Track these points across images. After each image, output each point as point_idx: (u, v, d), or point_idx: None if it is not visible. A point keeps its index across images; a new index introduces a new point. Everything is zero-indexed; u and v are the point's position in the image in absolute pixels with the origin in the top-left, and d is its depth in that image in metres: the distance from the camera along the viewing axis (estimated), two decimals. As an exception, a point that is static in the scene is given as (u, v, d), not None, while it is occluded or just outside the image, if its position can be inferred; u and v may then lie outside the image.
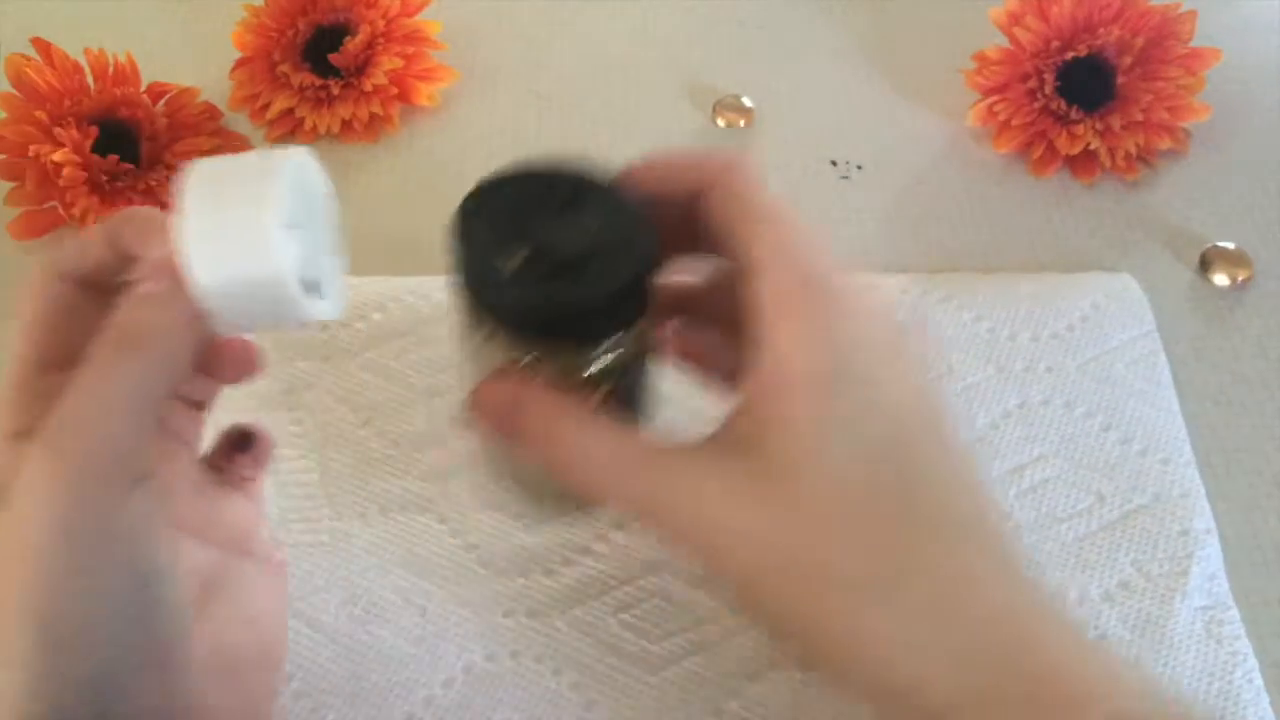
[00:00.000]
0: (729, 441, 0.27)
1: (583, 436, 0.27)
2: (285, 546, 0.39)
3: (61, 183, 0.47)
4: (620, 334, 0.28)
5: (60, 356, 0.28)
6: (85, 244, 0.29)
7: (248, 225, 0.25)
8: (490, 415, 0.29)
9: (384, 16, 0.53)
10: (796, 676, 0.36)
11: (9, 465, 0.26)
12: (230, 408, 0.35)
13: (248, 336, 0.31)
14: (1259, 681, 0.36)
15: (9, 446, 0.27)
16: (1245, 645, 0.37)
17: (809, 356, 0.26)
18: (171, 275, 0.26)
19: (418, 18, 0.55)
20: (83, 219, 0.47)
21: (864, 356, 0.26)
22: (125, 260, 0.29)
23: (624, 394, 0.30)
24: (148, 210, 0.29)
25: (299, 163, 0.27)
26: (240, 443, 0.33)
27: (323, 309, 0.28)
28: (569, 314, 0.26)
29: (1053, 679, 0.24)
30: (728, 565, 0.26)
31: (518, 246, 0.27)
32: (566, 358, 0.28)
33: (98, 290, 0.29)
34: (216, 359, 0.31)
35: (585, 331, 0.27)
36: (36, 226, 0.49)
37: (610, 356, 0.28)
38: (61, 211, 0.48)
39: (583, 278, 0.26)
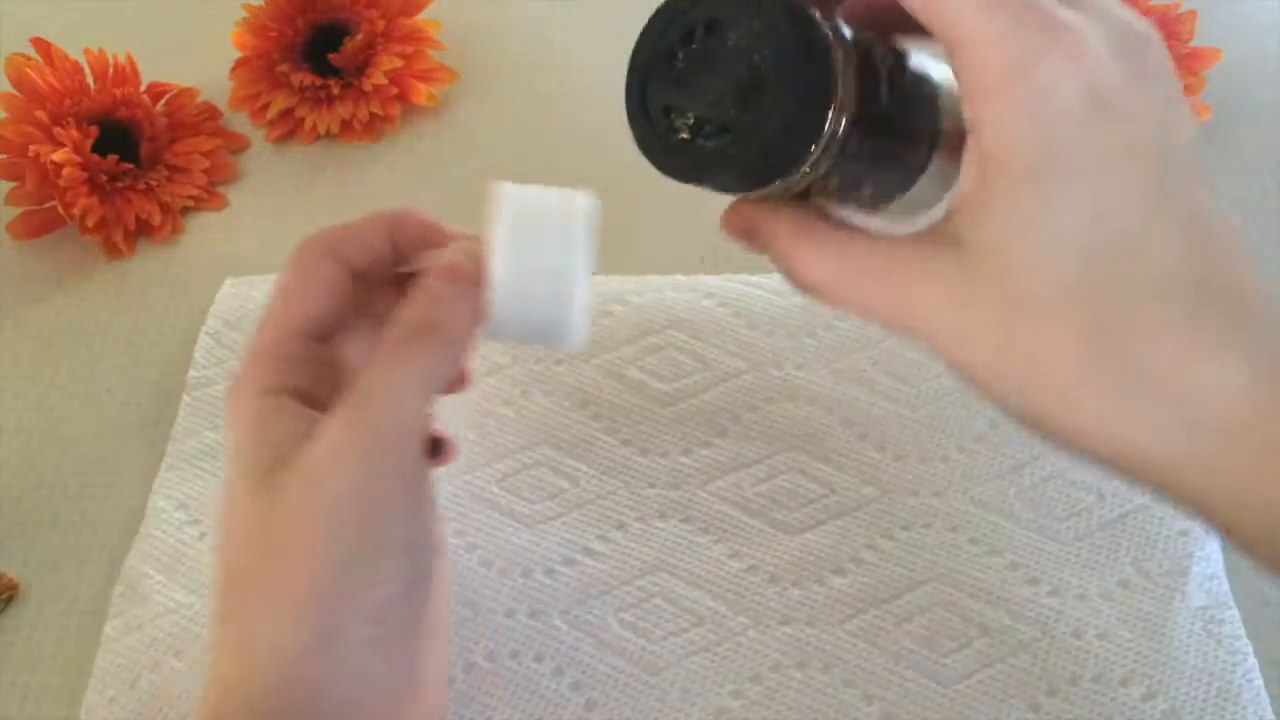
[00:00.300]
0: (944, 234, 0.26)
1: (806, 254, 0.28)
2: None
3: (61, 183, 0.47)
4: (813, 146, 0.26)
5: (315, 328, 0.31)
6: (362, 234, 0.33)
7: (557, 273, 0.30)
8: (740, 240, 0.30)
9: (384, 16, 0.53)
10: (797, 676, 0.36)
11: (286, 425, 0.29)
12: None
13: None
14: (1259, 681, 0.36)
15: (274, 403, 0.30)
16: (1245, 645, 0.37)
17: (1011, 143, 0.24)
18: (464, 279, 0.30)
19: (418, 18, 0.55)
20: (83, 219, 0.47)
21: (1075, 140, 0.24)
22: (397, 256, 0.33)
23: (851, 180, 0.28)
24: (422, 215, 0.33)
25: (593, 206, 0.31)
26: (433, 449, 0.34)
27: (578, 341, 0.31)
28: (751, 167, 0.26)
29: None
30: (954, 361, 0.26)
31: (683, 101, 0.27)
32: (774, 189, 0.28)
33: (360, 276, 0.32)
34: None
35: (774, 172, 0.27)
36: (36, 226, 0.49)
37: (814, 164, 0.27)
38: (61, 211, 0.48)
39: (747, 129, 0.26)
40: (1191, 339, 0.24)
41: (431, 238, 0.33)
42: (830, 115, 0.25)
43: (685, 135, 0.27)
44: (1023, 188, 0.24)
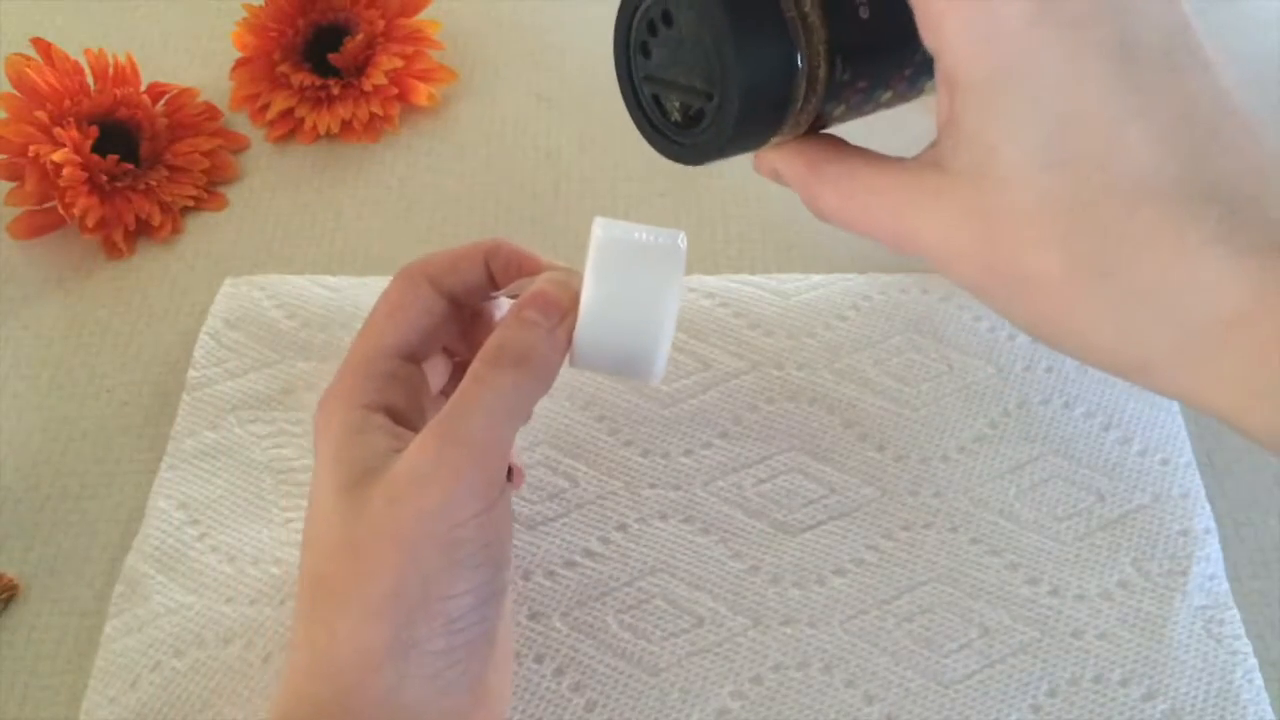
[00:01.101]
0: (930, 157, 0.26)
1: (820, 186, 0.28)
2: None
3: (61, 183, 0.47)
4: (789, 103, 0.27)
5: (407, 348, 0.33)
6: (460, 261, 0.34)
7: (647, 311, 0.31)
8: (771, 178, 0.30)
9: (384, 16, 0.53)
10: (797, 677, 0.36)
11: (376, 439, 0.30)
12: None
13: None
14: (1259, 681, 0.36)
15: (366, 417, 0.31)
16: (1245, 645, 0.37)
17: (965, 63, 0.24)
18: (554, 309, 0.31)
19: (418, 18, 0.55)
20: (83, 219, 0.47)
21: (1026, 49, 0.23)
22: (491, 284, 0.34)
23: (861, 99, 0.28)
24: (516, 245, 0.34)
25: (685, 242, 0.32)
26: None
27: (660, 377, 0.32)
28: (738, 138, 0.27)
29: None
30: (955, 278, 0.27)
31: (663, 90, 0.28)
32: (782, 138, 0.28)
33: (454, 302, 0.34)
34: None
35: (761, 136, 0.27)
36: (36, 226, 0.49)
37: (801, 110, 0.27)
38: (61, 211, 0.48)
39: (720, 108, 0.26)
40: (1177, 242, 0.23)
41: (526, 266, 0.34)
42: (796, 69, 0.26)
43: (678, 119, 0.28)
44: (983, 106, 0.24)
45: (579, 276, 0.31)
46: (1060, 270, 0.24)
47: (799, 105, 0.26)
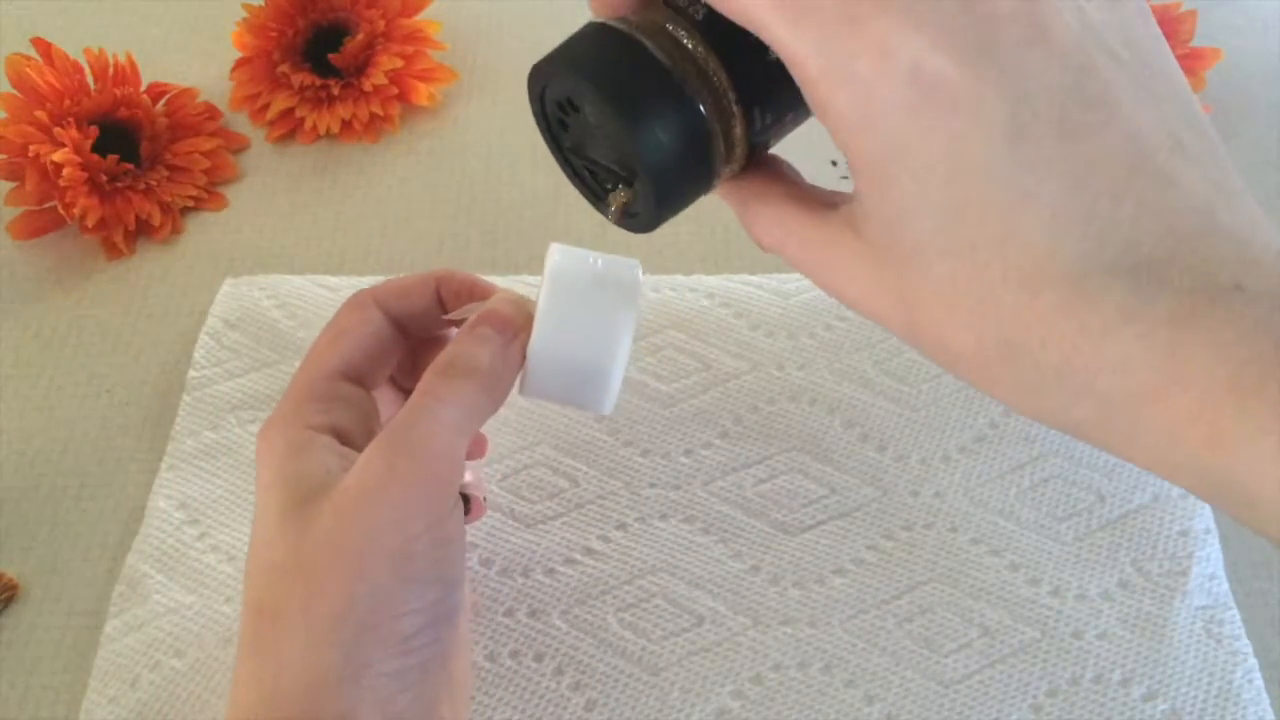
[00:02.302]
0: (846, 216, 0.25)
1: (757, 222, 0.27)
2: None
3: (61, 183, 0.47)
4: (711, 167, 0.26)
5: (353, 371, 0.33)
6: (411, 289, 0.34)
7: (598, 344, 0.31)
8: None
9: (384, 16, 0.53)
10: (798, 676, 0.36)
11: (320, 458, 0.30)
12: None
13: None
14: (1259, 681, 0.36)
15: (311, 437, 0.30)
16: (1245, 645, 0.37)
17: (852, 149, 0.23)
18: (507, 326, 0.31)
19: (418, 18, 0.55)
20: (83, 219, 0.47)
21: (908, 135, 0.22)
22: (441, 310, 0.34)
23: (789, 128, 0.27)
24: (466, 274, 0.34)
25: (641, 274, 0.32)
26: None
27: (610, 409, 0.32)
28: (668, 203, 0.26)
29: None
30: (890, 331, 0.26)
31: (590, 165, 0.27)
32: (717, 186, 0.27)
33: (403, 328, 0.34)
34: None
35: (688, 197, 0.26)
36: (36, 226, 0.49)
37: (727, 163, 0.26)
38: (61, 211, 0.48)
39: (643, 186, 0.25)
40: (1080, 326, 0.22)
41: (476, 292, 0.34)
42: (707, 136, 0.25)
43: (610, 188, 0.27)
44: (877, 189, 0.23)
45: (533, 302, 0.31)
46: (973, 348, 0.23)
47: (722, 163, 0.26)
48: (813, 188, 0.27)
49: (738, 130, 0.25)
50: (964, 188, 0.22)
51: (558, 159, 0.28)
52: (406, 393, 0.36)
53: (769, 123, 0.25)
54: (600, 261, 0.31)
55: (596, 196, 0.28)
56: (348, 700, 0.27)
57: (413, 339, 0.35)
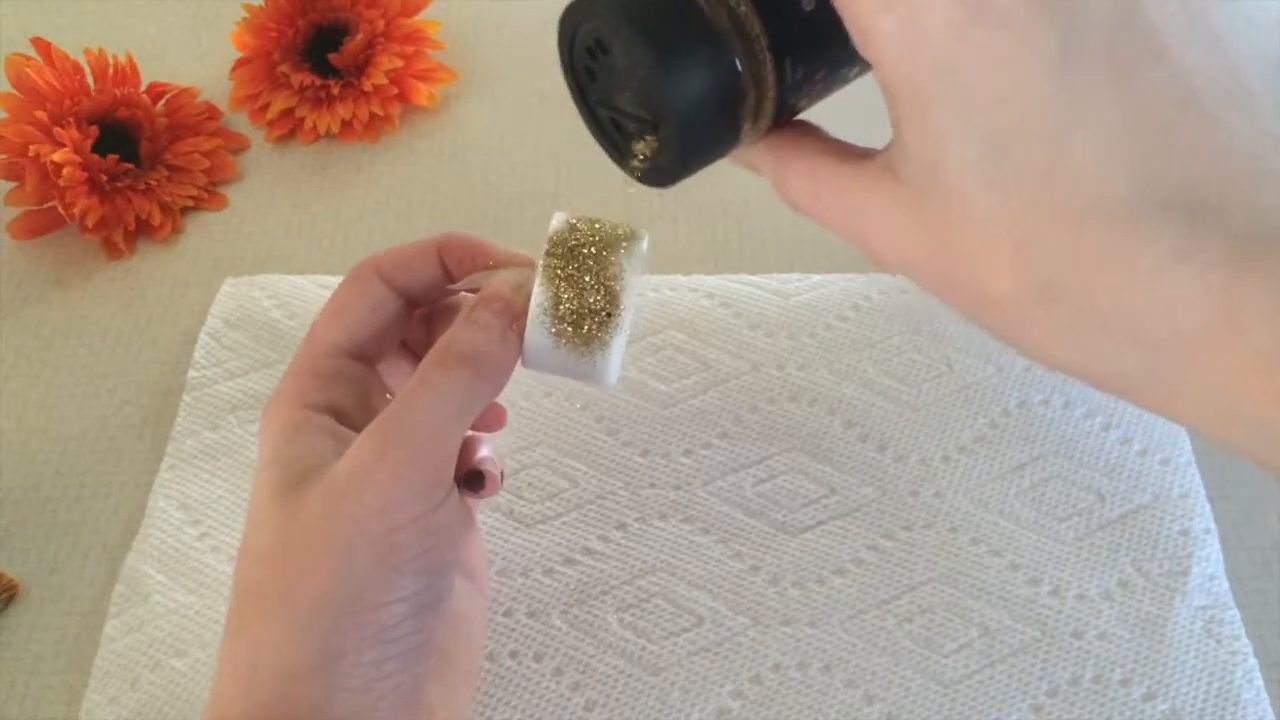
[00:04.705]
0: (883, 160, 0.24)
1: (787, 178, 0.27)
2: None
3: (61, 183, 0.47)
4: (738, 119, 0.25)
5: (355, 346, 0.32)
6: (413, 259, 0.33)
7: (601, 318, 0.30)
8: (744, 166, 0.29)
9: (384, 16, 0.53)
10: (797, 677, 0.36)
11: (316, 440, 0.29)
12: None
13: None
14: (1259, 681, 0.36)
15: (307, 418, 0.30)
16: (1245, 645, 0.37)
17: (896, 77, 0.22)
18: (506, 310, 0.30)
19: (418, 18, 0.55)
20: (83, 219, 0.47)
21: (954, 57, 0.21)
22: (447, 278, 0.33)
23: (819, 89, 0.27)
24: (469, 236, 0.33)
25: (647, 244, 0.31)
26: (472, 481, 0.33)
27: (613, 381, 0.31)
28: (694, 157, 0.25)
29: None
30: (918, 284, 0.25)
31: (616, 115, 0.26)
32: (744, 142, 0.27)
33: (408, 299, 0.33)
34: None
35: (714, 153, 0.26)
36: (36, 226, 0.49)
37: (755, 119, 0.26)
38: (61, 211, 0.48)
39: (668, 136, 0.25)
40: (1131, 265, 0.21)
41: (480, 257, 0.33)
42: (738, 85, 0.24)
43: (636, 141, 0.26)
44: (918, 120, 0.22)
45: (533, 272, 0.30)
46: (1012, 291, 0.22)
47: (752, 117, 0.25)
48: (845, 142, 0.26)
49: (769, 79, 0.24)
50: (1009, 114, 0.21)
51: (582, 112, 0.28)
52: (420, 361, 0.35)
53: (799, 78, 0.25)
54: (604, 228, 0.31)
55: (620, 152, 0.27)
56: (323, 687, 0.27)
57: (422, 307, 0.34)
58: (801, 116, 0.27)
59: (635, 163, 0.26)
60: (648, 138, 0.26)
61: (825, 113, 0.27)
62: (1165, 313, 0.21)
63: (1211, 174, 0.21)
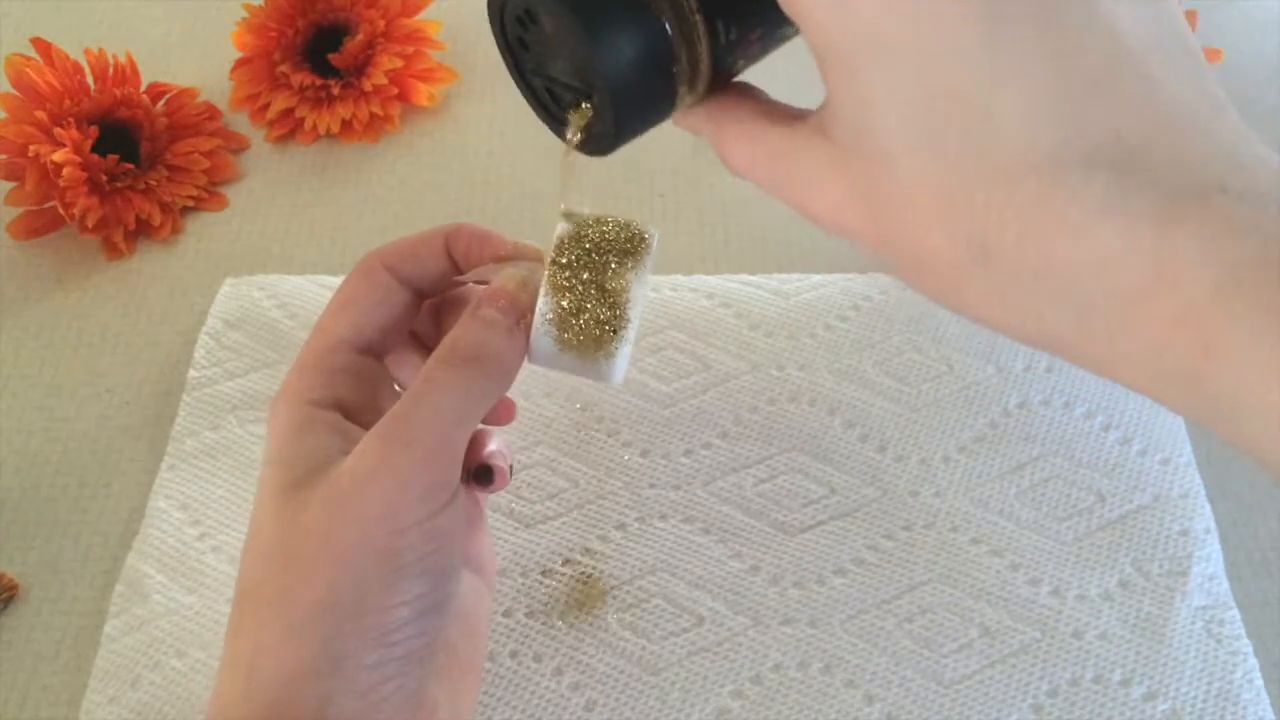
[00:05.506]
0: (816, 121, 0.24)
1: (727, 142, 0.26)
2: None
3: (61, 183, 0.47)
4: (673, 83, 0.25)
5: (362, 340, 0.31)
6: (420, 251, 0.32)
7: (607, 329, 0.30)
8: (688, 130, 0.28)
9: (384, 16, 0.53)
10: (798, 677, 0.36)
11: (322, 438, 0.29)
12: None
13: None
14: (1259, 681, 0.36)
15: (312, 415, 0.29)
16: (1245, 645, 0.37)
17: (822, 39, 0.22)
18: (512, 307, 0.30)
19: (418, 18, 0.55)
20: (83, 219, 0.47)
21: (880, 20, 0.21)
22: (455, 270, 0.32)
23: (758, 49, 0.27)
24: (477, 227, 0.32)
25: (656, 244, 0.31)
26: (481, 475, 0.33)
27: (619, 380, 0.31)
28: (631, 123, 0.25)
29: None
30: (861, 248, 0.25)
31: (551, 84, 0.26)
32: (682, 106, 0.26)
33: (416, 291, 0.32)
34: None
35: (651, 118, 0.26)
36: (36, 226, 0.49)
37: (690, 84, 0.25)
38: (61, 211, 0.48)
39: (602, 103, 0.25)
40: (1060, 220, 0.20)
41: (488, 249, 0.32)
42: (670, 49, 0.24)
43: (572, 110, 0.26)
44: (846, 81, 0.22)
45: (541, 269, 0.30)
46: (946, 251, 0.22)
47: (687, 80, 0.25)
48: (784, 105, 0.26)
49: (701, 41, 0.24)
50: (937, 73, 0.21)
51: (518, 83, 0.28)
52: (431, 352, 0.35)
53: (733, 39, 0.25)
54: (612, 226, 0.31)
55: (556, 121, 0.27)
56: (324, 690, 0.27)
57: (431, 298, 0.34)
58: (745, 77, 0.27)
59: (572, 131, 0.26)
60: (583, 105, 0.26)
61: (771, 73, 0.27)
62: (1095, 268, 0.20)
63: (1141, 127, 0.21)
